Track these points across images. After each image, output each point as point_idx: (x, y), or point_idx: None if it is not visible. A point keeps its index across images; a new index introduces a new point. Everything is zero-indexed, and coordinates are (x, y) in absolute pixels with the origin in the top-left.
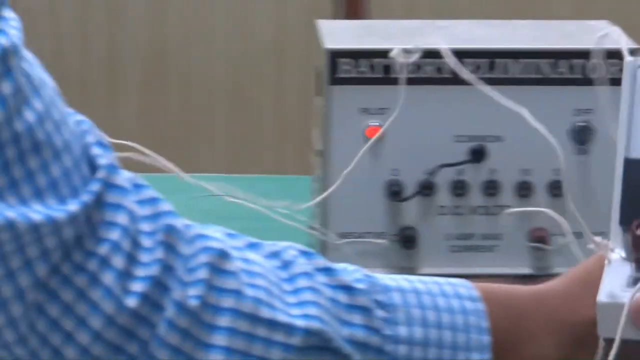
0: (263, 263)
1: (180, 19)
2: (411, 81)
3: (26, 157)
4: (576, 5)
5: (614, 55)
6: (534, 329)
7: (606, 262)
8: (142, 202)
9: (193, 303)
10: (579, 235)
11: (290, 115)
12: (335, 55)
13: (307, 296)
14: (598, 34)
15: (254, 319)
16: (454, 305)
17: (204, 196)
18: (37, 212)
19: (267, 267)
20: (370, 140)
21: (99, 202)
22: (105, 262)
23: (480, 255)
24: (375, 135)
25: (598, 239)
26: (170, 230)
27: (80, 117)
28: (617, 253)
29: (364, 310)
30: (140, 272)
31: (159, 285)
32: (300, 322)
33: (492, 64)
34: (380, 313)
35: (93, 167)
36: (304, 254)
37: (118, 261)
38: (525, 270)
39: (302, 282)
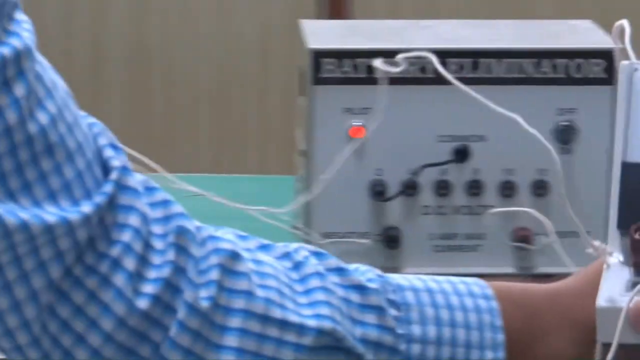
0: (274, 264)
1: (164, 19)
2: (394, 81)
3: (39, 159)
4: (559, 5)
5: (599, 55)
6: (548, 327)
7: (605, 266)
8: (154, 205)
9: (204, 304)
10: (562, 234)
11: (273, 115)
12: (319, 55)
13: (319, 296)
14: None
15: (265, 319)
16: (467, 303)
17: (188, 196)
18: (51, 213)
19: (279, 268)
20: (354, 141)
21: (112, 204)
22: (116, 264)
23: (463, 255)
24: (360, 136)
25: (597, 243)
26: (182, 232)
27: (92, 119)
28: (616, 257)
29: (377, 309)
30: (151, 273)
31: (170, 286)
32: (311, 322)
33: (475, 63)
34: (393, 312)
35: (106, 169)
36: (316, 254)
37: (129, 263)
38: (509, 270)
39: (314, 283)
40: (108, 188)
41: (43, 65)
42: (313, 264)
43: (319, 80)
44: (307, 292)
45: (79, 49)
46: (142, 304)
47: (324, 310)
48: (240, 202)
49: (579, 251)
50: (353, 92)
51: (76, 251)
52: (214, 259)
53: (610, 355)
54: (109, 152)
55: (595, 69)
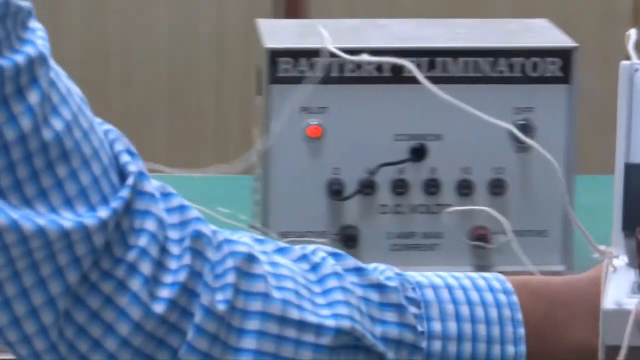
0: (291, 266)
1: (121, 18)
2: (351, 80)
3: (55, 166)
4: (516, 4)
5: (555, 53)
6: (570, 316)
7: (610, 269)
8: (170, 210)
9: (221, 308)
10: (519, 233)
11: (230, 115)
12: (275, 55)
13: (337, 296)
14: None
15: (283, 320)
16: (487, 298)
17: None
18: (67, 219)
19: (296, 270)
20: (311, 140)
21: (128, 209)
22: (132, 269)
23: (421, 253)
24: (317, 135)
25: (602, 247)
26: (198, 236)
27: (107, 126)
28: (621, 259)
29: (397, 307)
30: (168, 278)
31: (187, 290)
32: (330, 322)
33: (432, 62)
34: (413, 310)
35: (122, 175)
36: (333, 255)
37: (145, 267)
38: (467, 269)
39: (332, 283)
40: (125, 193)
41: (57, 72)
42: (330, 265)
43: (275, 80)
44: (325, 292)
45: None
46: (159, 308)
47: (343, 310)
48: (197, 202)
49: (536, 250)
50: (310, 91)
51: (93, 256)
52: (230, 262)
53: (620, 357)
54: (125, 158)
55: (552, 67)
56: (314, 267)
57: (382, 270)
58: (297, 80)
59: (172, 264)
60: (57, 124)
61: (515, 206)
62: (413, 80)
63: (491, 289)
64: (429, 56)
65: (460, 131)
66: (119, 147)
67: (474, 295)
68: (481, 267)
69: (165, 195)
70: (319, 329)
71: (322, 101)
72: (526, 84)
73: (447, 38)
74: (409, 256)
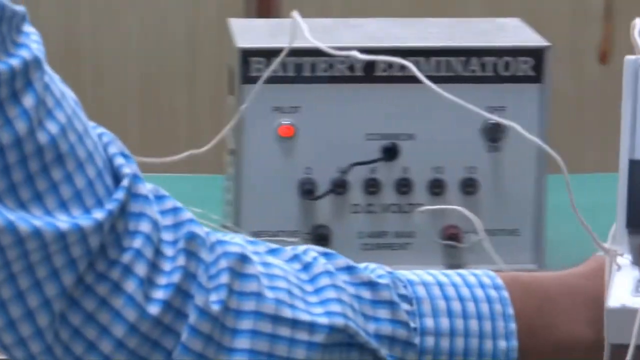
0: (283, 266)
1: (93, 16)
2: (323, 79)
3: (50, 169)
4: (488, 4)
5: (527, 53)
6: (561, 309)
7: (614, 267)
8: (164, 212)
9: (215, 308)
10: (491, 232)
11: (202, 114)
12: (247, 54)
13: (330, 294)
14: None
15: (276, 319)
16: (478, 294)
17: None
18: (63, 221)
19: (288, 270)
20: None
21: (123, 211)
22: (128, 270)
23: (393, 253)
24: (289, 135)
25: (606, 245)
26: (192, 237)
27: (101, 129)
28: (626, 257)
29: (389, 304)
30: (162, 280)
31: (181, 292)
32: (323, 320)
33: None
34: (405, 306)
35: (116, 178)
36: (325, 254)
37: (140, 269)
38: (438, 268)
39: (324, 281)
40: (119, 195)
41: (51, 76)
42: (322, 264)
43: (247, 79)
44: (318, 291)
45: None
46: (153, 309)
47: (335, 308)
48: None
49: (508, 249)
50: (282, 90)
51: (88, 258)
52: (223, 263)
53: (628, 357)
54: (119, 160)
55: (524, 67)
56: (306, 267)
57: (373, 269)
58: (269, 80)
59: (166, 266)
60: (52, 128)
61: (487, 205)
62: (385, 79)
63: (482, 285)
64: (401, 56)
65: (432, 131)
66: (113, 149)
67: (465, 291)
68: (453, 266)
69: (159, 198)
70: (312, 327)
71: (294, 101)
72: (498, 83)
73: (419, 37)
74: (381, 255)
